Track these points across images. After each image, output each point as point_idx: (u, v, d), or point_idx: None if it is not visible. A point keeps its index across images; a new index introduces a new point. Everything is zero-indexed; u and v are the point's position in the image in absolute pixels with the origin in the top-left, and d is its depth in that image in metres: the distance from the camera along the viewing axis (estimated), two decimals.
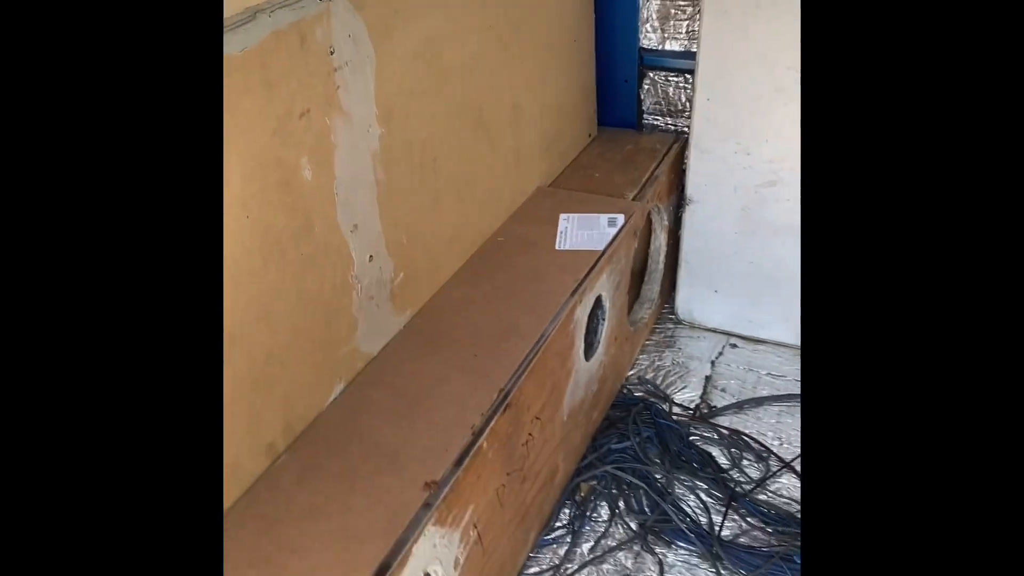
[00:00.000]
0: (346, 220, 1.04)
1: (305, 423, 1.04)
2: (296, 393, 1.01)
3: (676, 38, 1.75)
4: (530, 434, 1.19)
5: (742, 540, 1.32)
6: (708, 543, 1.31)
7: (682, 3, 1.71)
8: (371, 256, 1.10)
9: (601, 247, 1.36)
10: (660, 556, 1.31)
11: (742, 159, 1.59)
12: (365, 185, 1.07)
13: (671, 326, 1.81)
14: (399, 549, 0.89)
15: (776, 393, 1.60)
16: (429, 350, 1.16)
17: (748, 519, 1.35)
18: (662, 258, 1.75)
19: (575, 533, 1.35)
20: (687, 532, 1.33)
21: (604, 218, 1.42)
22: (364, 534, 0.90)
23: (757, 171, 1.59)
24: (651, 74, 1.78)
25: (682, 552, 1.31)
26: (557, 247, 1.37)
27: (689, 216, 1.70)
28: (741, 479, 1.42)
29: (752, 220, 1.64)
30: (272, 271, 0.93)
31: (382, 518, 0.92)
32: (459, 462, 0.99)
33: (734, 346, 1.74)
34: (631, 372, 1.67)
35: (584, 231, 1.39)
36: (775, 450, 1.47)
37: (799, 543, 1.28)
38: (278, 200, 0.92)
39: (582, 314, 1.32)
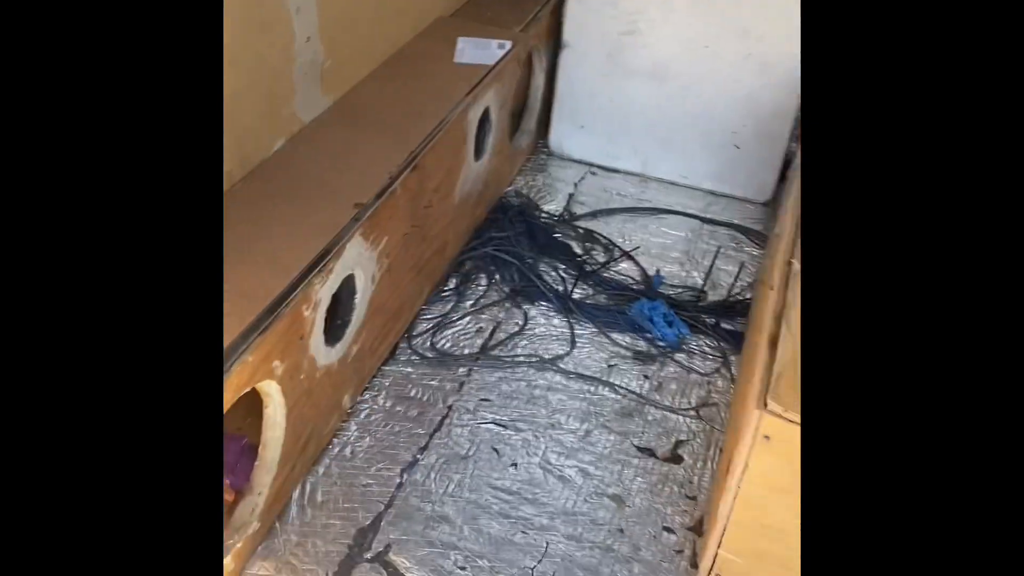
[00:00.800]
0: (293, 2, 1.29)
1: (253, 164, 1.31)
2: (248, 134, 1.27)
3: None
4: (430, 201, 1.50)
5: (588, 302, 1.70)
6: (563, 301, 1.68)
7: None
8: (308, 37, 1.35)
9: (492, 63, 1.66)
10: (525, 310, 1.67)
11: (609, 10, 1.92)
12: None
13: (544, 157, 2.14)
14: (336, 243, 1.19)
15: (623, 207, 1.98)
16: (352, 123, 1.44)
17: (594, 288, 1.73)
18: (540, 96, 2.06)
19: (460, 294, 1.69)
20: (547, 294, 1.69)
21: (495, 42, 1.71)
22: (310, 231, 1.19)
23: (620, 20, 1.92)
24: None
25: (542, 308, 1.68)
26: (456, 61, 1.66)
27: (563, 60, 2.02)
28: (591, 262, 1.80)
29: (613, 64, 1.97)
30: (239, 27, 1.18)
31: (323, 221, 1.21)
32: (379, 196, 1.30)
33: (594, 174, 2.10)
34: (509, 188, 2.00)
35: (478, 51, 1.68)
36: (619, 244, 1.86)
37: (629, 303, 1.67)
38: None
39: (474, 116, 1.62)
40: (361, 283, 1.30)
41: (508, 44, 1.72)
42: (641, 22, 1.91)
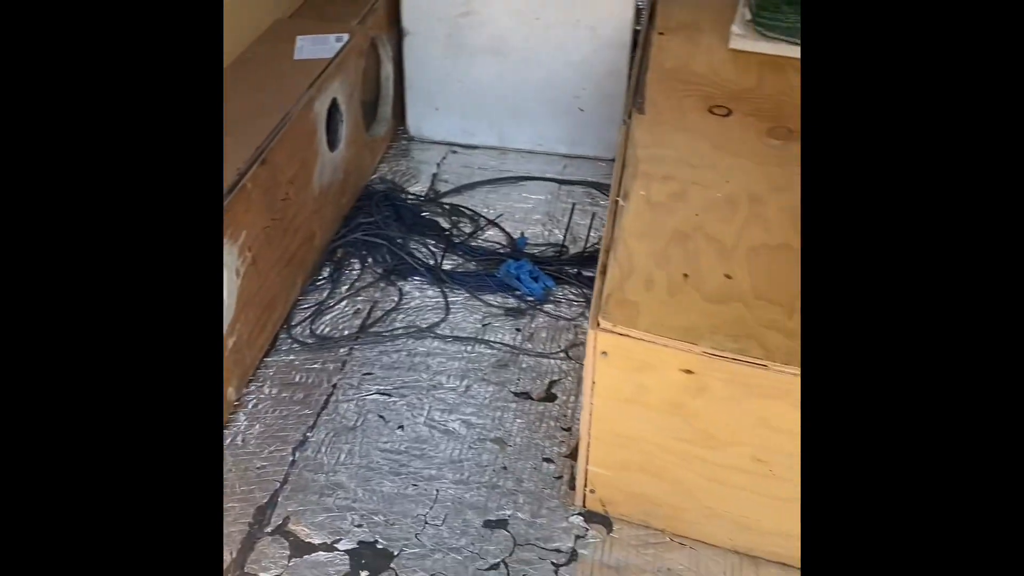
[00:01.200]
0: None
1: None
2: None
3: None
4: (287, 193, 1.57)
5: (459, 270, 1.80)
6: (434, 273, 1.77)
7: None
8: None
9: (331, 56, 1.73)
10: (399, 287, 1.75)
11: None
12: None
13: (405, 142, 2.22)
14: None
15: (485, 179, 2.08)
16: None
17: (464, 257, 1.83)
18: (391, 84, 2.14)
19: (335, 280, 1.76)
20: (419, 268, 1.78)
21: (332, 37, 1.78)
22: None
23: (456, 2, 2.01)
24: None
25: (416, 282, 1.76)
26: (295, 58, 1.72)
27: (407, 47, 2.10)
28: (459, 234, 1.90)
29: (456, 45, 2.07)
30: None
31: None
32: (230, 192, 1.36)
33: (455, 152, 2.19)
34: (374, 176, 2.08)
35: (317, 46, 1.75)
36: (483, 214, 1.96)
37: (497, 266, 1.78)
38: None
39: (321, 108, 1.69)
40: (225, 277, 1.36)
41: (345, 37, 1.79)
42: (475, 2, 2.01)
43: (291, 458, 1.40)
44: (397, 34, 2.12)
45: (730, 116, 1.53)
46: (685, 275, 1.18)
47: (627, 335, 1.10)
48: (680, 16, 1.87)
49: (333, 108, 1.76)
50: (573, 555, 1.26)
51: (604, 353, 1.12)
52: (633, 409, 1.16)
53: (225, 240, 1.33)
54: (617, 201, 1.33)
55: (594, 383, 1.16)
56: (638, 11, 2.00)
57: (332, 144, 1.77)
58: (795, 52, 1.70)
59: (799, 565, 1.20)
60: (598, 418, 1.20)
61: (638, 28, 2.01)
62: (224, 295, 1.36)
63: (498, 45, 2.05)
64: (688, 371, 1.09)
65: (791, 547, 1.20)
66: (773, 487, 1.15)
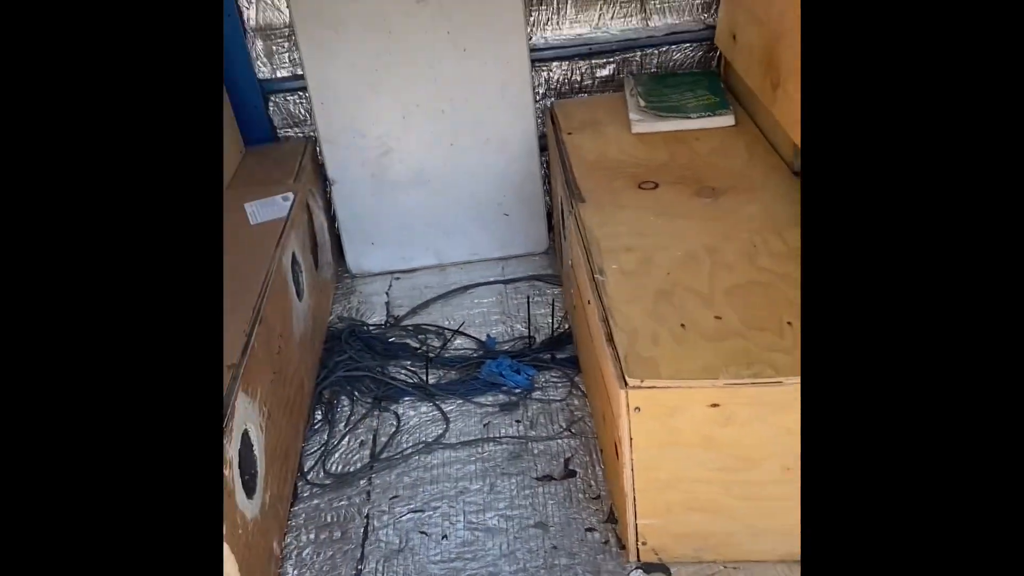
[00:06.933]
0: None
1: None
2: None
3: (283, 67, 2.26)
4: (279, 347, 1.64)
5: (444, 382, 1.89)
6: (422, 390, 1.86)
7: (280, 40, 2.23)
8: None
9: (285, 214, 1.84)
10: (394, 411, 1.83)
11: (360, 140, 2.18)
12: None
13: (349, 281, 2.33)
14: (227, 403, 1.30)
15: (435, 296, 2.21)
16: None
17: (443, 368, 1.93)
18: (326, 231, 2.26)
19: (330, 421, 1.81)
20: (406, 389, 1.86)
21: (279, 197, 1.90)
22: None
23: (373, 146, 2.18)
24: (272, 97, 2.28)
25: (408, 403, 1.84)
26: (252, 223, 1.82)
27: (336, 194, 2.24)
28: (431, 349, 2.00)
29: (380, 183, 2.23)
30: None
31: None
32: (244, 351, 1.42)
33: (397, 279, 2.31)
34: (331, 316, 2.16)
35: (267, 208, 1.86)
36: (446, 327, 2.08)
37: (477, 369, 1.89)
38: None
39: (287, 262, 1.79)
40: (254, 434, 1.40)
41: (291, 195, 1.91)
42: (390, 141, 2.18)
43: None
44: (323, 185, 2.26)
45: (658, 188, 1.75)
46: (682, 325, 1.34)
47: (655, 387, 1.24)
48: (579, 116, 2.11)
49: (293, 261, 1.86)
50: None
51: (637, 409, 1.26)
52: (669, 453, 1.29)
53: (248, 398, 1.39)
54: (596, 278, 1.49)
55: (632, 439, 1.28)
56: (538, 120, 2.23)
57: (299, 294, 1.86)
58: (688, 124, 1.96)
59: None
60: (640, 471, 1.31)
61: (543, 133, 2.24)
62: (256, 452, 1.40)
63: (419, 175, 2.22)
64: (714, 405, 1.23)
65: None
66: None
